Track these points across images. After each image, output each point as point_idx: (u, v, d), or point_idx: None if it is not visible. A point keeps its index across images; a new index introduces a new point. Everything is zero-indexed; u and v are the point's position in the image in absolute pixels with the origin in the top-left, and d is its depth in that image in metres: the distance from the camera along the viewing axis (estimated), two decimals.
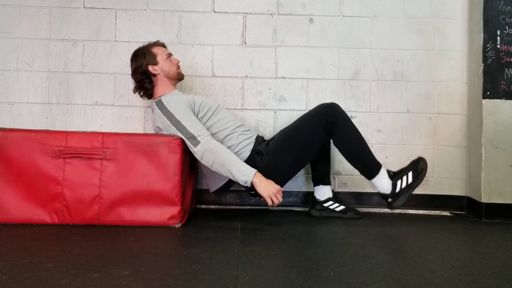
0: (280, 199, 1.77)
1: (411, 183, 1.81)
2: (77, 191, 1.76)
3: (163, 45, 2.10)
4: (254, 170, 1.77)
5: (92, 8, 2.36)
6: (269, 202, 1.76)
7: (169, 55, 2.05)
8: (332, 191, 2.16)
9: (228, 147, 1.87)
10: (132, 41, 2.36)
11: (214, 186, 1.99)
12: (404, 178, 1.83)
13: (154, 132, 2.09)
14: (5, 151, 1.77)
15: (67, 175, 1.77)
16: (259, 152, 1.90)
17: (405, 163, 2.36)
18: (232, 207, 2.33)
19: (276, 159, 1.87)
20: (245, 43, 2.39)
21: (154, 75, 2.00)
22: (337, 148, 1.92)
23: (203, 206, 2.32)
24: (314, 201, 2.13)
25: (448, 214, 2.31)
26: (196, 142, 1.78)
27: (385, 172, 1.85)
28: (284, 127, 2.00)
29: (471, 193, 2.31)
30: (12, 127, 2.27)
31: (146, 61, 1.98)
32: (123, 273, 1.20)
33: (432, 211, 2.33)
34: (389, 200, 1.85)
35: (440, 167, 2.38)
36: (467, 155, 2.37)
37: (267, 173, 1.80)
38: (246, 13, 2.39)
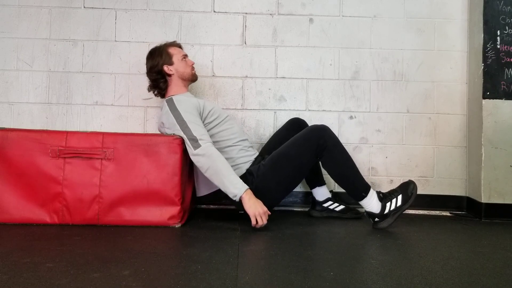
0: (265, 221, 1.74)
1: (400, 206, 1.80)
2: (77, 191, 1.76)
3: (180, 46, 2.11)
4: (246, 187, 1.75)
5: (92, 8, 2.36)
6: (253, 222, 1.73)
7: (185, 56, 2.07)
8: (332, 191, 2.16)
9: (226, 159, 1.85)
10: (132, 41, 2.36)
11: (203, 191, 1.98)
12: (394, 200, 1.81)
13: (157, 128, 2.10)
14: (5, 151, 1.77)
15: (67, 175, 1.77)
16: (250, 173, 1.89)
17: (404, 163, 2.37)
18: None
19: (266, 181, 1.85)
20: (245, 43, 2.39)
21: (169, 75, 2.02)
22: (326, 170, 1.89)
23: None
24: (314, 202, 2.13)
25: (448, 214, 2.31)
26: (197, 145, 1.78)
27: (375, 193, 1.83)
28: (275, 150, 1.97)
29: (471, 193, 2.31)
30: (12, 127, 2.27)
31: (162, 61, 2.00)
32: (123, 273, 1.20)
33: (432, 211, 2.33)
34: (376, 219, 1.85)
35: (440, 167, 2.38)
36: (467, 155, 2.38)
37: (256, 195, 1.78)
38: (246, 13, 2.39)
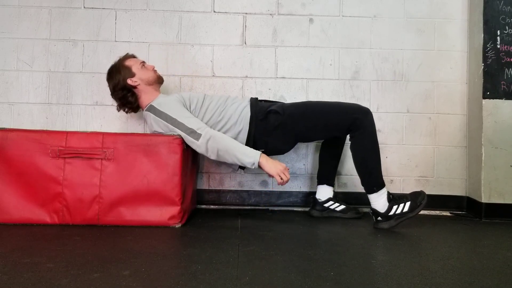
0: (288, 176, 1.83)
1: (406, 212, 1.81)
2: (77, 191, 1.76)
3: (134, 56, 2.08)
4: (259, 152, 1.82)
5: (92, 8, 2.36)
6: (279, 180, 1.81)
7: (143, 63, 2.03)
8: (333, 191, 2.16)
9: (228, 120, 1.92)
10: (132, 41, 2.36)
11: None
12: (402, 205, 1.82)
13: None
14: (5, 151, 1.77)
15: (67, 175, 1.77)
16: (275, 111, 1.93)
17: (405, 163, 2.37)
18: (232, 207, 2.33)
19: (292, 122, 1.91)
20: (245, 43, 2.39)
21: (135, 87, 1.97)
22: (351, 151, 1.92)
23: (203, 206, 2.32)
24: (315, 201, 2.13)
25: (448, 214, 2.31)
26: (197, 136, 1.80)
27: (386, 193, 1.85)
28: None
29: (471, 193, 2.31)
30: (12, 127, 2.26)
31: (123, 76, 1.96)
32: (123, 273, 1.20)
33: (432, 211, 2.33)
34: (379, 218, 1.85)
35: (440, 167, 2.38)
36: (467, 155, 2.37)
37: (275, 133, 1.88)
38: (246, 13, 2.39)
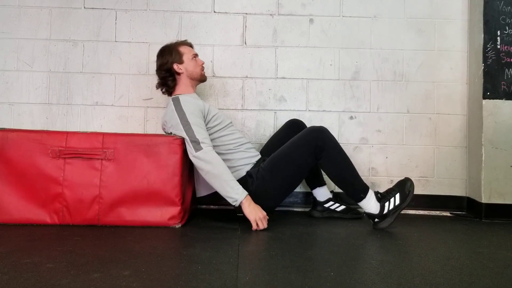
0: (265, 225, 1.78)
1: (399, 204, 1.81)
2: (77, 191, 1.76)
3: (190, 45, 2.11)
4: (246, 193, 1.78)
5: (92, 8, 2.36)
6: (254, 226, 1.77)
7: (195, 55, 2.06)
8: (332, 191, 2.16)
9: (227, 161, 1.88)
10: (132, 41, 2.36)
11: (203, 192, 1.98)
12: (392, 200, 1.82)
13: (160, 126, 2.10)
14: (5, 152, 1.77)
15: (67, 175, 1.77)
16: (250, 175, 1.90)
17: (405, 163, 2.37)
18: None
19: (265, 184, 1.86)
20: (245, 44, 2.39)
21: (178, 74, 2.02)
22: (324, 172, 1.90)
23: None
24: (315, 202, 2.13)
25: (448, 214, 2.31)
26: (198, 148, 1.78)
27: (373, 194, 1.84)
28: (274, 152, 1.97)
29: (471, 193, 2.31)
30: (12, 127, 2.27)
31: (172, 59, 2.00)
32: (123, 273, 1.20)
33: (432, 211, 2.33)
34: (376, 220, 1.85)
35: (440, 168, 2.38)
36: (467, 156, 2.37)
37: (256, 197, 1.81)
38: (246, 13, 2.39)
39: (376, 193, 1.85)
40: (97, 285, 1.10)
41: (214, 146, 1.86)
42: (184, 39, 2.35)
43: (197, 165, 1.79)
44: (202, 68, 2.08)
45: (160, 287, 1.10)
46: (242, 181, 1.85)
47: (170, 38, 2.35)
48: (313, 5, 2.39)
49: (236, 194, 1.75)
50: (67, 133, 1.82)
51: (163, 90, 2.08)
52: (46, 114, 2.34)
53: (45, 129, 2.30)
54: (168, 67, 2.00)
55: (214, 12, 2.39)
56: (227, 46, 2.38)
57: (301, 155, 1.85)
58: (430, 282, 1.18)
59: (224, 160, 1.83)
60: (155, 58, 2.33)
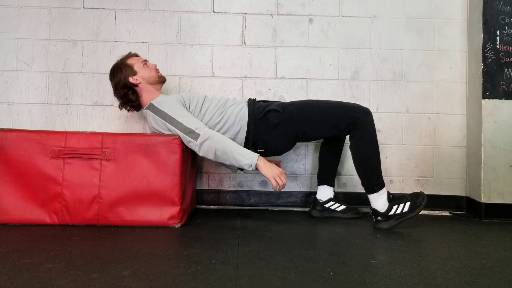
0: (285, 181, 1.81)
1: (406, 212, 1.82)
2: (76, 191, 1.76)
3: (136, 55, 2.08)
4: (257, 154, 1.81)
5: (92, 8, 2.35)
6: (274, 183, 1.79)
7: (145, 61, 2.03)
8: (333, 191, 2.16)
9: (227, 122, 1.92)
10: (131, 41, 2.36)
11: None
12: (401, 205, 1.83)
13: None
14: (4, 152, 1.77)
15: (67, 175, 1.77)
16: (274, 110, 1.93)
17: (404, 163, 2.37)
18: (231, 207, 2.33)
19: (292, 120, 1.91)
20: (245, 43, 2.39)
21: (136, 85, 1.98)
22: (351, 151, 1.92)
23: (203, 206, 2.32)
24: (315, 202, 2.13)
25: (448, 214, 2.31)
26: (195, 136, 1.80)
27: (386, 193, 1.85)
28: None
29: (471, 193, 2.31)
30: (11, 127, 2.27)
31: (124, 74, 1.96)
32: (122, 273, 1.19)
33: (432, 211, 2.33)
34: (379, 218, 1.85)
35: (440, 167, 2.38)
36: (467, 155, 2.38)
37: (275, 131, 1.87)
38: (245, 13, 2.39)
39: (389, 193, 1.86)
40: (97, 285, 1.10)
41: (207, 122, 1.90)
42: (184, 39, 2.36)
43: (205, 151, 1.81)
44: (157, 71, 2.04)
45: (159, 287, 1.10)
46: (251, 119, 1.91)
47: (169, 38, 2.35)
48: (313, 5, 2.39)
49: (248, 159, 1.78)
50: (66, 133, 1.82)
51: (128, 108, 2.05)
52: (45, 114, 2.34)
53: (44, 129, 2.30)
54: (124, 83, 1.97)
55: (214, 12, 2.38)
56: (226, 46, 2.38)
57: (337, 118, 1.89)
58: (430, 282, 1.18)
59: (223, 124, 1.89)
60: (155, 58, 2.34)
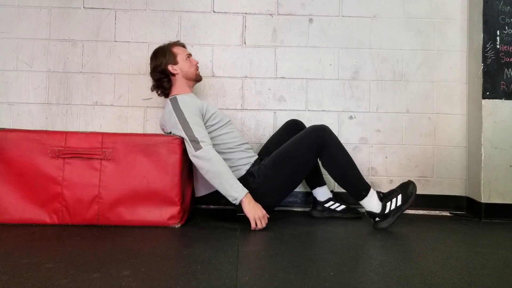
0: (264, 224, 1.77)
1: (400, 205, 1.81)
2: (76, 191, 1.76)
3: (183, 46, 2.11)
4: (246, 191, 1.78)
5: (92, 8, 2.35)
6: (253, 225, 1.76)
7: (189, 55, 2.06)
8: (332, 191, 2.16)
9: (227, 160, 1.87)
10: (131, 41, 2.36)
11: (202, 191, 1.98)
12: (394, 200, 1.82)
13: (159, 126, 2.10)
14: (4, 152, 1.77)
15: (67, 175, 1.77)
16: (251, 173, 1.90)
17: (404, 163, 2.37)
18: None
19: (267, 182, 1.86)
20: (245, 43, 2.39)
21: (173, 75, 2.01)
22: (326, 170, 1.90)
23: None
24: (315, 202, 2.13)
25: (448, 214, 2.31)
26: (198, 147, 1.78)
27: (375, 193, 1.84)
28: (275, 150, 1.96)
29: (471, 193, 2.31)
30: (11, 127, 2.27)
31: (166, 60, 1.99)
32: (123, 273, 1.20)
33: (432, 211, 2.33)
34: (377, 219, 1.85)
35: (440, 167, 2.38)
36: (467, 155, 2.38)
37: (257, 195, 1.80)
38: (245, 13, 2.39)
39: (378, 192, 1.85)
40: (97, 285, 1.10)
41: (214, 145, 1.86)
42: (184, 39, 2.36)
43: (197, 164, 1.79)
44: (197, 68, 2.07)
45: (159, 287, 1.10)
46: (242, 180, 1.85)
47: (169, 38, 2.34)
48: (313, 5, 2.39)
49: (236, 193, 1.75)
50: (66, 133, 1.82)
51: (159, 92, 2.07)
52: (45, 114, 2.34)
53: (44, 129, 2.30)
54: (163, 69, 1.99)
55: (214, 12, 2.38)
56: (226, 46, 2.38)
57: (303, 153, 1.85)
58: (430, 282, 1.18)
59: (224, 159, 1.83)
60: None
